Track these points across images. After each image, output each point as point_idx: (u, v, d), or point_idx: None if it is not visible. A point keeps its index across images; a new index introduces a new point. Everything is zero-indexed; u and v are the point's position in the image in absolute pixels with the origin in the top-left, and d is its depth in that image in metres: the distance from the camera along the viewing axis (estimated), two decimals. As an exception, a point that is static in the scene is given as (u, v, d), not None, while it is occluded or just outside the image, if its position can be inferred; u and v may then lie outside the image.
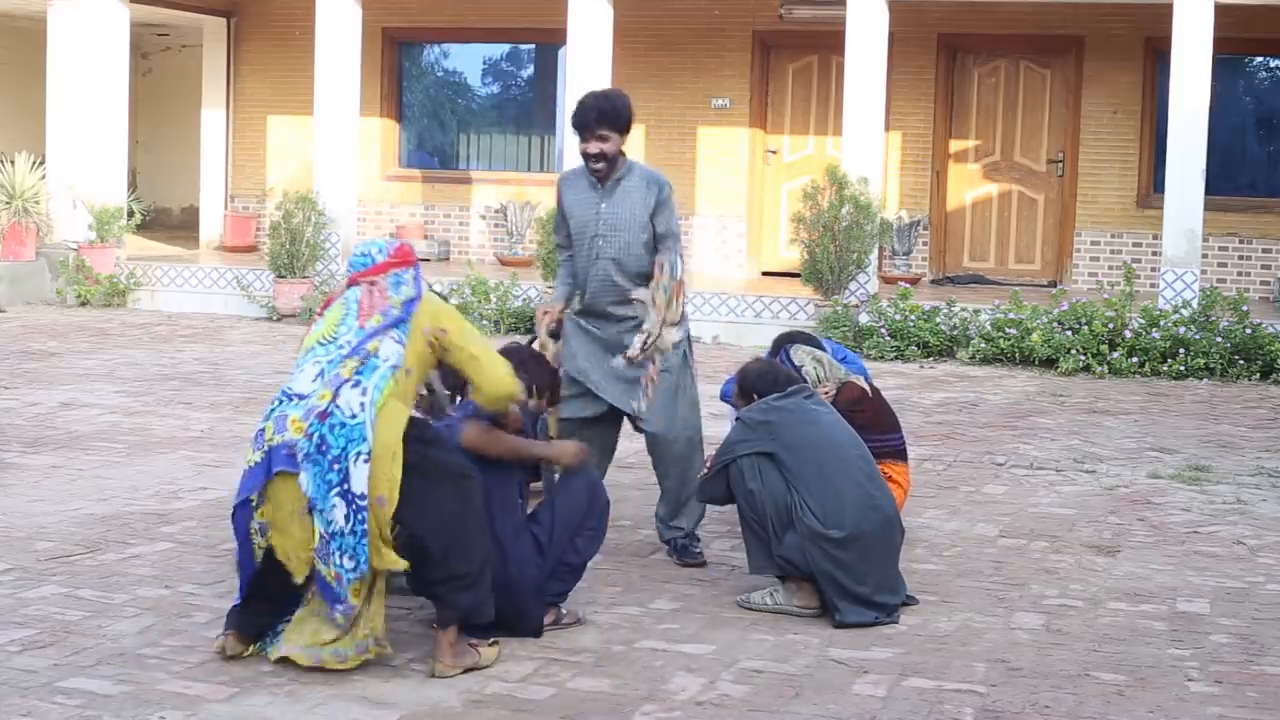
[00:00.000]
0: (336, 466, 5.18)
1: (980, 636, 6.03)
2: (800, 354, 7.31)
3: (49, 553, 6.78)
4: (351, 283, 5.57)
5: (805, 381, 6.96)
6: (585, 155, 6.98)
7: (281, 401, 5.36)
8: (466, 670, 5.39)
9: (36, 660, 5.40)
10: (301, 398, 5.31)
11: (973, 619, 6.25)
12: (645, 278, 6.97)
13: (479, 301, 15.28)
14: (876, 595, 6.14)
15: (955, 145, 17.75)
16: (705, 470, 6.55)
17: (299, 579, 5.36)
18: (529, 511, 6.03)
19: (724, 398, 7.46)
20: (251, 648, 5.49)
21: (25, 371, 12.12)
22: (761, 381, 6.58)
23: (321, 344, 5.44)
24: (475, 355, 5.60)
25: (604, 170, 6.96)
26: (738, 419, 6.54)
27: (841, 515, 6.12)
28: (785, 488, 6.20)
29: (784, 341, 7.59)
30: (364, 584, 5.31)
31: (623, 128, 6.95)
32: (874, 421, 7.19)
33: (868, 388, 7.38)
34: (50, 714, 4.94)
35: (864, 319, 14.46)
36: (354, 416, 5.21)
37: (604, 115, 6.89)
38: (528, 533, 5.90)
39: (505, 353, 6.05)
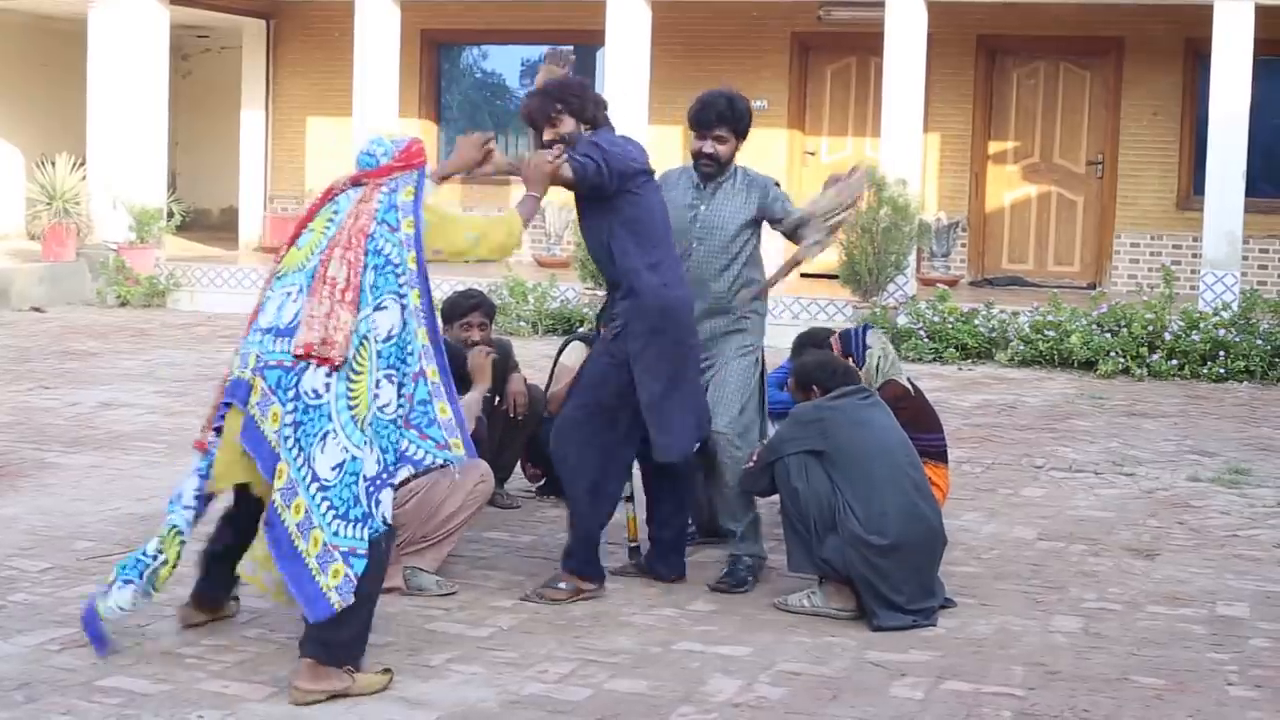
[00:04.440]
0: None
1: (1018, 639, 6.01)
2: (874, 337, 7.25)
3: (88, 552, 6.82)
4: (354, 181, 5.46)
5: (863, 366, 6.95)
6: (697, 154, 6.91)
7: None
8: (332, 696, 5.09)
9: (76, 659, 5.44)
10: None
11: (1011, 622, 6.23)
12: (718, 297, 6.83)
13: (517, 303, 15.29)
14: (911, 604, 6.10)
15: (994, 147, 17.68)
16: (751, 463, 6.52)
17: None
18: None
19: (771, 385, 7.39)
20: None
21: (65, 372, 12.19)
22: (820, 373, 6.52)
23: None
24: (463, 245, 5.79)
25: (712, 171, 6.89)
26: (789, 414, 6.50)
27: (885, 523, 6.08)
28: (831, 489, 6.15)
29: (806, 342, 7.48)
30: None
31: (741, 132, 6.91)
32: (915, 420, 7.10)
33: (910, 386, 7.31)
34: (90, 712, 4.97)
35: (902, 321, 14.43)
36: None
37: (723, 116, 6.86)
38: None
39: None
